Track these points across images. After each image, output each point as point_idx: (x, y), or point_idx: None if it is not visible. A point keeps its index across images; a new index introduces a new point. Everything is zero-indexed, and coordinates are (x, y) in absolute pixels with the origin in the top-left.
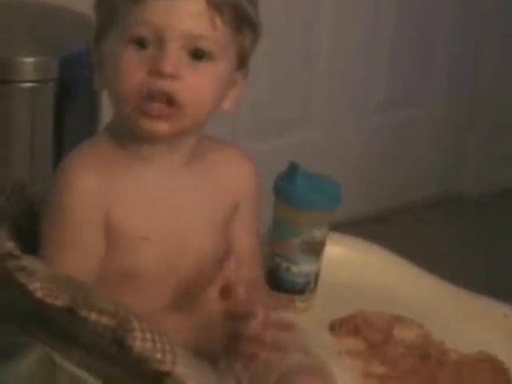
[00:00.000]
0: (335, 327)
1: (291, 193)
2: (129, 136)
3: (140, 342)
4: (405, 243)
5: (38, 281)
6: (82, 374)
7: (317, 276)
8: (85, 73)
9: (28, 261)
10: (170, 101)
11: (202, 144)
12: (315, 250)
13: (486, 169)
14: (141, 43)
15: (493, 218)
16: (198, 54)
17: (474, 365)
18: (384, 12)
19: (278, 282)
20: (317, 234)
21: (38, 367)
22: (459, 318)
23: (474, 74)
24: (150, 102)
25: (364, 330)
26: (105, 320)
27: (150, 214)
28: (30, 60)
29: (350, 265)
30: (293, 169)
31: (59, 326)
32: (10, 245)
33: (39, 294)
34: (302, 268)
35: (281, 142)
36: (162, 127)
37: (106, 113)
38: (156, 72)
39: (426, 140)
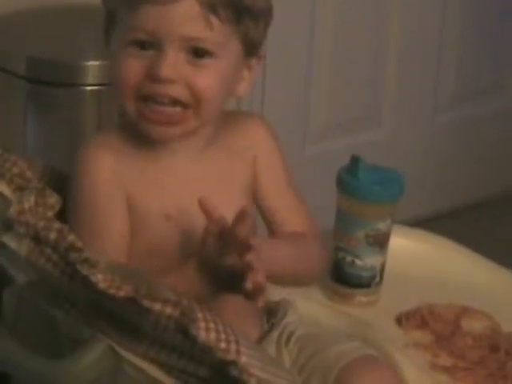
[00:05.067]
0: (402, 320)
1: (354, 185)
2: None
3: (204, 331)
4: (475, 239)
5: (101, 272)
6: (146, 366)
7: (382, 269)
8: None
9: (90, 252)
10: (174, 102)
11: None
12: (380, 242)
13: None
14: (140, 45)
15: None
16: (198, 53)
17: None
18: (452, 6)
19: (342, 275)
20: (381, 226)
21: (102, 360)
22: None
23: None
24: (153, 105)
25: (431, 322)
26: (168, 310)
27: (170, 195)
28: (95, 63)
29: (416, 257)
30: (355, 162)
31: (123, 318)
32: (71, 237)
33: (102, 286)
34: (366, 261)
35: (349, 141)
36: (171, 132)
37: None
38: (153, 77)
39: (496, 135)
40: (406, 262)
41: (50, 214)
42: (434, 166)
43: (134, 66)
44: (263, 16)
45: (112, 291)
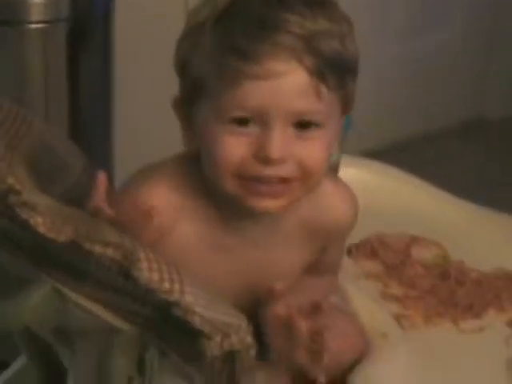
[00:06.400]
0: (352, 251)
1: None
2: (217, 196)
3: (147, 272)
4: (427, 171)
5: (40, 215)
6: (92, 306)
7: None
8: (96, 11)
9: (30, 195)
10: (281, 181)
11: None
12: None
13: (508, 93)
14: (241, 122)
15: None
16: (304, 125)
17: (494, 282)
18: None
19: None
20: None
21: (48, 301)
22: (478, 237)
23: None
24: (258, 183)
25: (381, 251)
26: (110, 252)
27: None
28: (39, 0)
29: (365, 187)
30: None
31: (66, 260)
32: (10, 180)
33: (41, 229)
34: None
35: None
36: (273, 204)
37: (119, 51)
38: (263, 159)
39: (446, 67)
40: (355, 192)
41: None
42: (382, 100)
43: (236, 146)
44: (357, 69)
45: (52, 235)
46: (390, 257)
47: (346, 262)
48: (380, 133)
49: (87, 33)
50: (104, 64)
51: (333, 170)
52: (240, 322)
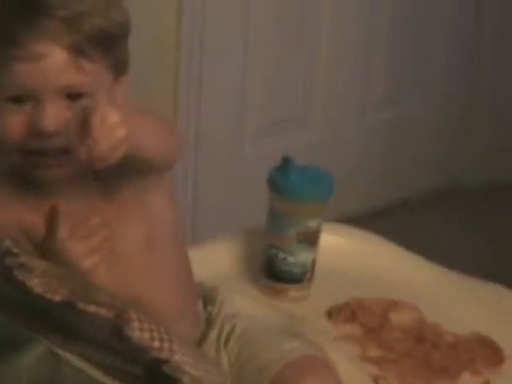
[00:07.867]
0: (332, 314)
1: (285, 185)
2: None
3: (138, 331)
4: (404, 237)
5: (37, 277)
6: (84, 365)
7: (313, 265)
8: None
9: (26, 257)
10: (62, 151)
11: None
12: (311, 240)
13: (484, 161)
14: (17, 100)
15: (490, 209)
16: (75, 97)
17: (468, 345)
18: (380, 10)
19: (274, 272)
20: (312, 224)
21: (42, 361)
22: (454, 301)
23: (472, 68)
24: (42, 156)
25: (360, 315)
26: (103, 312)
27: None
28: None
29: (346, 253)
30: (286, 162)
31: (60, 321)
32: (8, 242)
33: (38, 290)
34: (298, 258)
35: (281, 142)
36: (61, 172)
37: None
38: (36, 132)
39: (424, 135)
40: (336, 258)
41: None
42: (364, 166)
43: (14, 123)
44: (127, 35)
45: (48, 295)
46: (369, 320)
47: (326, 325)
48: (359, 199)
49: None
50: None
51: (314, 235)
52: (224, 379)
